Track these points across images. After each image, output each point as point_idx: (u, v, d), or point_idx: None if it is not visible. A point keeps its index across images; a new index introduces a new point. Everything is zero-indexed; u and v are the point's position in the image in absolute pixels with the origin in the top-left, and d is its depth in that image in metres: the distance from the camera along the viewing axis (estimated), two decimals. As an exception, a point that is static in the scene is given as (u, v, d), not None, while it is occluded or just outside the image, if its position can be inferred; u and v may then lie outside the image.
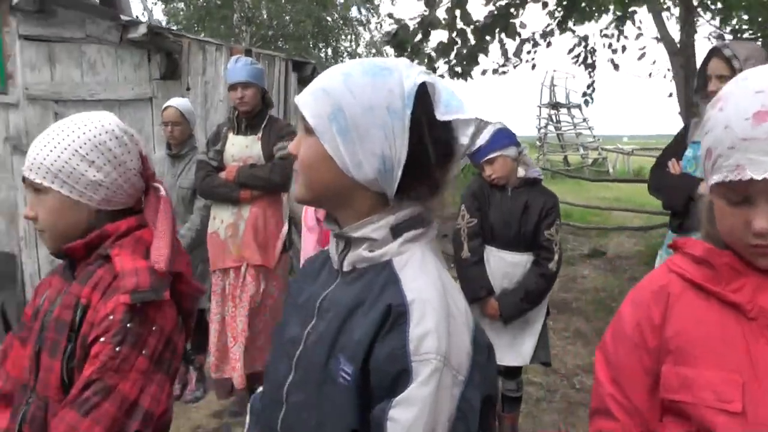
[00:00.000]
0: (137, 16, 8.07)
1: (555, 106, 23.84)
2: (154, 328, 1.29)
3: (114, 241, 1.37)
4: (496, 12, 5.94)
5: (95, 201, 1.37)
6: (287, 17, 17.11)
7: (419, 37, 5.75)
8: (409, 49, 5.72)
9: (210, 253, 3.66)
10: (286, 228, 3.66)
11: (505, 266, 3.13)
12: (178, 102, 4.04)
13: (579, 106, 23.78)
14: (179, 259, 1.40)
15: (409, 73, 1.03)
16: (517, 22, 6.23)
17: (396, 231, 1.04)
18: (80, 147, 1.33)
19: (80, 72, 5.72)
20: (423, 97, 1.02)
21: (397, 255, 1.04)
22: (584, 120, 24.32)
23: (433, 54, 6.09)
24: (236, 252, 3.56)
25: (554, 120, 24.23)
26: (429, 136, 1.02)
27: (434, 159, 1.03)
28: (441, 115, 1.02)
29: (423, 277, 1.01)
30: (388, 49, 17.17)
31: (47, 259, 5.61)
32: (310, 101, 1.04)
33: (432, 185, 1.06)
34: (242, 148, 3.58)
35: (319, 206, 1.15)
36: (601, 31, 8.58)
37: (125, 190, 1.41)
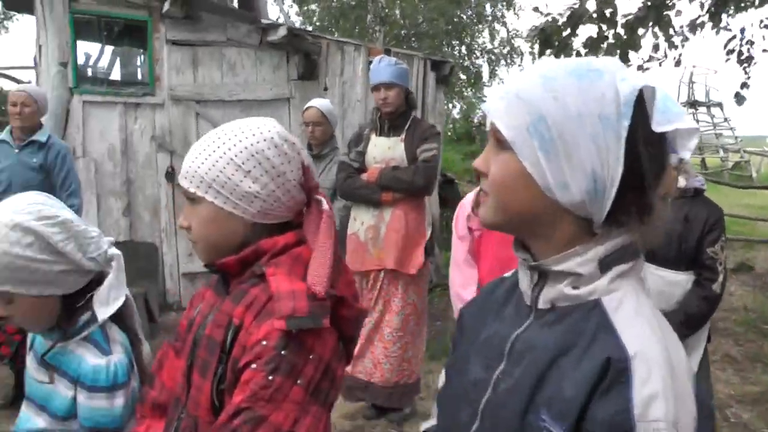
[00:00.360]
0: (277, 19, 8.29)
1: (693, 104, 22.50)
2: (311, 357, 1.17)
3: (270, 259, 1.26)
4: (649, 3, 5.51)
5: (250, 213, 1.27)
6: (420, 16, 17.07)
7: (567, 31, 5.46)
8: (556, 45, 5.43)
9: (348, 255, 3.61)
10: (429, 234, 3.55)
11: (662, 285, 2.86)
12: (319, 102, 4.03)
13: (720, 105, 22.20)
14: (342, 279, 1.28)
15: (625, 76, 0.87)
16: (671, 13, 5.78)
17: (604, 265, 0.89)
18: (236, 155, 1.24)
19: (220, 74, 5.94)
20: (638, 103, 0.86)
21: (607, 294, 0.89)
22: (725, 120, 22.68)
23: (582, 50, 5.76)
24: (377, 255, 3.50)
25: (692, 119, 22.78)
26: (645, 150, 0.87)
27: (648, 178, 0.88)
28: (658, 125, 0.86)
29: (641, 325, 0.86)
30: (524, 45, 16.80)
31: (186, 250, 5.87)
32: (502, 110, 0.90)
33: (643, 209, 0.90)
34: (385, 150, 3.51)
35: (511, 232, 1.00)
36: (761, 21, 7.68)
37: (283, 203, 1.29)
